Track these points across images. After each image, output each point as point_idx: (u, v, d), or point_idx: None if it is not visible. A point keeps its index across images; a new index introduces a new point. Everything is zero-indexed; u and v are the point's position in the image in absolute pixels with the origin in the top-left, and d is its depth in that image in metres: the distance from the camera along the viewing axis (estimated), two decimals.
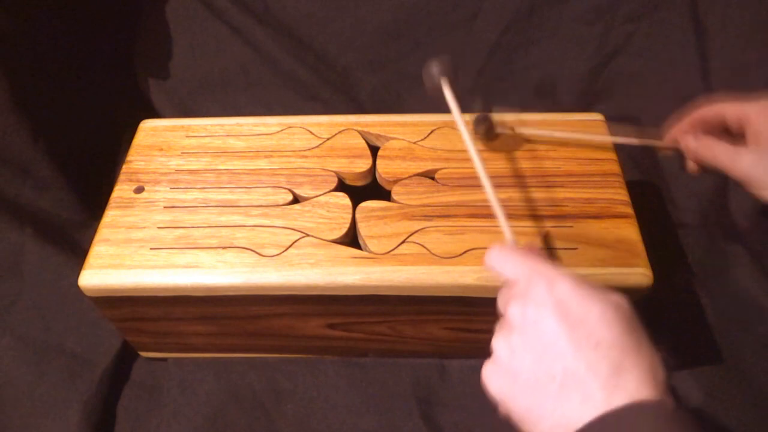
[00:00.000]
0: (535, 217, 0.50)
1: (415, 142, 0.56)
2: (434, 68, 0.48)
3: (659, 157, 0.54)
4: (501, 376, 0.32)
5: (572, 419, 0.29)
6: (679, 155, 0.50)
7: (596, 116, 0.57)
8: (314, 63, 0.74)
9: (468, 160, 0.54)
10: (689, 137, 0.48)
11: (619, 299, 0.32)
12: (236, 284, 0.47)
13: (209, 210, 0.52)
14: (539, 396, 0.30)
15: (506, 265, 0.35)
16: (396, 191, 0.52)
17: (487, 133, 0.54)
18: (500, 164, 0.53)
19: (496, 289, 0.46)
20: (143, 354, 0.59)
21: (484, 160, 0.43)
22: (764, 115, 0.44)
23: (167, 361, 0.59)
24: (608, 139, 0.55)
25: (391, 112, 0.59)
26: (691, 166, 0.50)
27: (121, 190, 0.54)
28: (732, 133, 0.47)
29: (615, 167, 0.53)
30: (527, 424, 0.31)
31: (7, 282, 0.61)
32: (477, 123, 0.54)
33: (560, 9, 0.66)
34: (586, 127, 0.56)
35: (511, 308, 0.33)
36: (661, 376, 0.30)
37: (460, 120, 0.46)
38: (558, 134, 0.55)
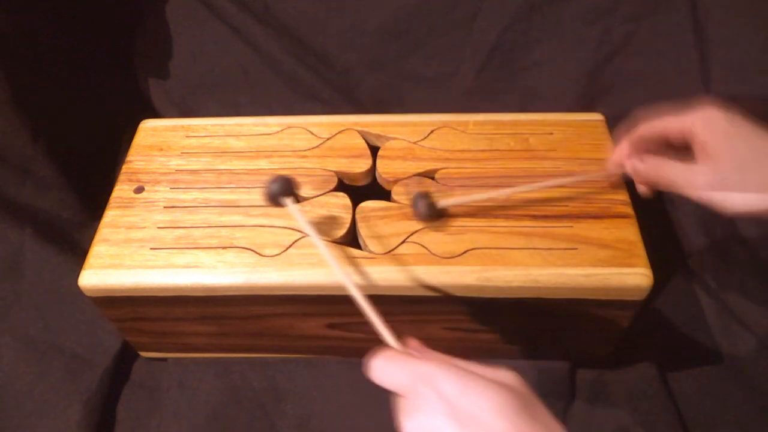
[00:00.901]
0: (535, 217, 0.50)
1: (415, 142, 0.56)
2: (274, 188, 0.46)
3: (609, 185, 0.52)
4: None
5: None
6: (628, 180, 0.49)
7: (596, 116, 0.57)
8: (314, 63, 0.74)
9: (468, 160, 0.54)
10: (634, 160, 0.46)
11: (509, 379, 0.31)
12: (236, 284, 0.47)
13: (209, 210, 0.52)
14: None
15: (388, 378, 0.33)
16: (396, 191, 0.52)
17: (429, 212, 0.49)
18: (500, 164, 0.53)
19: (497, 289, 0.47)
20: (143, 354, 0.59)
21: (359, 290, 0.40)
22: (709, 127, 0.42)
23: (167, 361, 0.59)
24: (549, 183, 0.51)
25: (391, 112, 0.59)
26: (642, 189, 0.49)
27: (121, 190, 0.54)
28: (674, 147, 0.45)
29: None
30: None
31: (7, 282, 0.61)
32: (416, 202, 0.49)
33: (560, 9, 0.66)
34: (586, 128, 0.56)
35: (406, 424, 0.31)
36: None
37: (315, 236, 0.44)
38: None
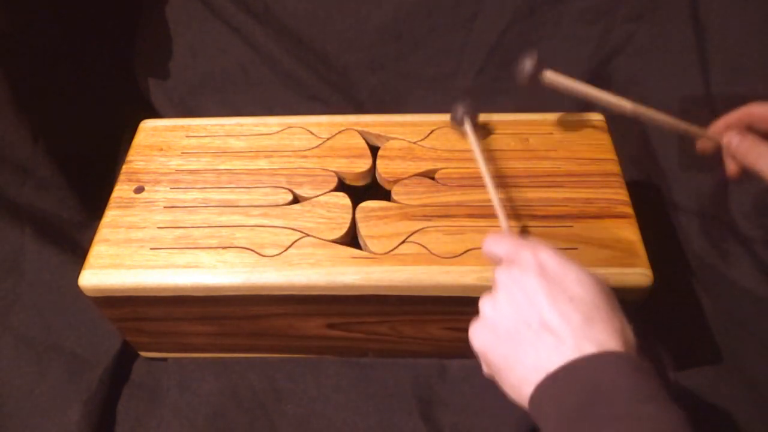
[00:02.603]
0: (536, 217, 0.50)
1: (415, 142, 0.56)
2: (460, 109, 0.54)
3: (697, 148, 0.51)
4: (483, 330, 0.35)
5: (544, 364, 0.31)
6: (717, 151, 0.48)
7: (596, 116, 0.57)
8: (314, 63, 0.74)
9: (468, 160, 0.54)
10: (733, 133, 0.45)
11: (598, 277, 0.35)
12: (236, 284, 0.47)
13: (209, 210, 0.52)
14: (515, 343, 0.33)
15: (499, 246, 0.38)
16: (396, 191, 0.52)
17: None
18: (500, 164, 0.53)
19: None
20: (143, 354, 0.59)
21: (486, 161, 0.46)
22: None
23: (167, 361, 0.59)
24: (649, 114, 0.50)
25: (391, 112, 0.59)
26: (730, 166, 0.48)
27: (121, 190, 0.54)
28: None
29: (615, 167, 0.53)
30: (504, 371, 0.33)
31: (7, 282, 0.61)
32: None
33: (560, 9, 0.66)
34: (586, 127, 0.56)
35: (498, 273, 0.36)
36: (630, 337, 0.32)
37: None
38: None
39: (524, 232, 0.47)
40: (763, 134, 0.45)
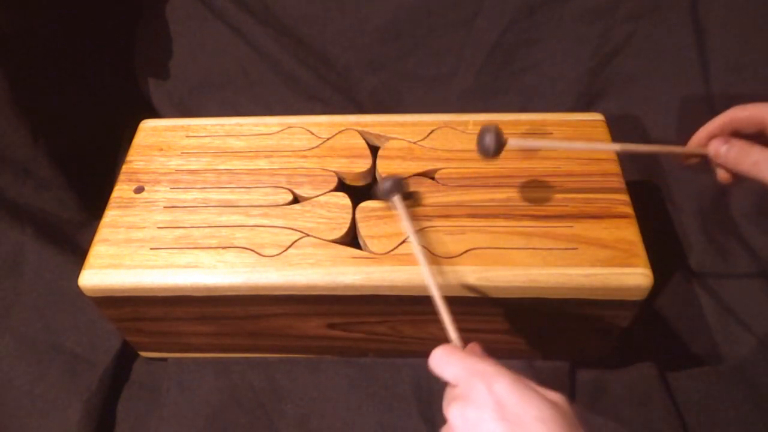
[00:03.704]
0: (535, 217, 0.50)
1: (415, 142, 0.56)
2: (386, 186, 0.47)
3: (683, 163, 0.50)
4: None
5: None
6: (705, 162, 0.47)
7: (596, 116, 0.57)
8: (314, 63, 0.74)
9: (468, 160, 0.54)
10: (719, 142, 0.44)
11: (557, 399, 0.31)
12: (236, 284, 0.47)
13: (209, 210, 0.52)
14: None
15: (447, 367, 0.34)
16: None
17: (496, 147, 0.47)
18: (500, 164, 0.53)
19: (497, 289, 0.47)
20: (143, 354, 0.59)
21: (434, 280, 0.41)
22: None
23: (167, 361, 0.59)
24: (616, 147, 0.52)
25: (391, 112, 0.59)
26: (722, 174, 0.46)
27: (121, 190, 0.54)
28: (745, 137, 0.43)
29: (615, 167, 0.53)
30: None
31: (7, 282, 0.61)
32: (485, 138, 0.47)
33: (560, 9, 0.66)
34: (586, 127, 0.56)
35: (451, 411, 0.32)
36: None
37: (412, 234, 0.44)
38: (563, 145, 0.53)
39: (474, 342, 0.40)
40: (752, 137, 0.44)
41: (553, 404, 0.30)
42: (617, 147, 0.51)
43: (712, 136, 0.45)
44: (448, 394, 0.34)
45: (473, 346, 0.37)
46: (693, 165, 0.48)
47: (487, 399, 0.30)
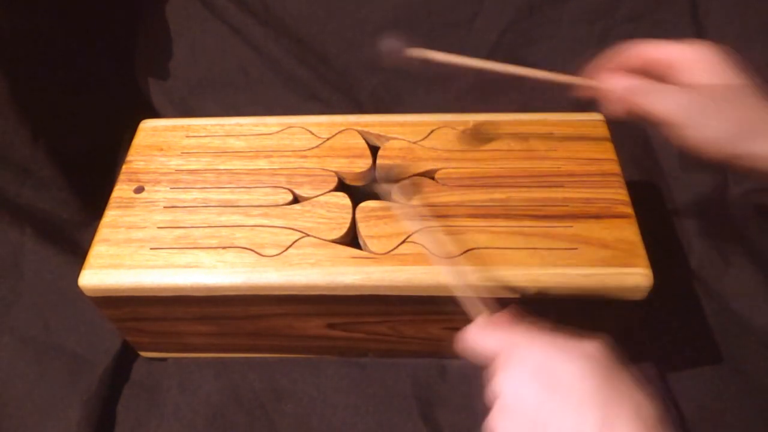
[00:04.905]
0: (535, 217, 0.50)
1: (415, 142, 0.56)
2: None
3: (575, 96, 0.50)
4: None
5: None
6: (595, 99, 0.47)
7: (596, 116, 0.57)
8: (314, 63, 0.74)
9: (468, 160, 0.54)
10: (612, 76, 0.45)
11: (593, 347, 0.32)
12: (236, 284, 0.47)
13: (209, 210, 0.52)
14: None
15: (482, 343, 0.35)
16: (396, 191, 0.52)
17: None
18: (500, 164, 0.53)
19: (497, 288, 0.47)
20: (143, 354, 0.59)
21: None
22: (700, 58, 0.41)
23: (167, 361, 0.59)
24: (517, 70, 0.50)
25: (391, 112, 0.59)
26: (611, 108, 0.47)
27: (121, 190, 0.54)
28: (652, 76, 0.44)
29: (615, 167, 0.53)
30: None
31: (7, 282, 0.61)
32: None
33: (560, 9, 0.66)
34: (586, 127, 0.56)
35: (496, 384, 0.33)
36: (649, 414, 0.30)
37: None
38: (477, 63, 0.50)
39: (502, 312, 0.39)
40: (638, 74, 0.44)
41: (589, 356, 0.31)
42: (499, 66, 0.50)
43: (611, 71, 0.46)
44: (489, 367, 0.34)
45: (502, 315, 0.38)
46: (583, 98, 0.48)
47: (525, 368, 0.31)
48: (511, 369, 0.32)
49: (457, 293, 0.40)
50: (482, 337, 0.35)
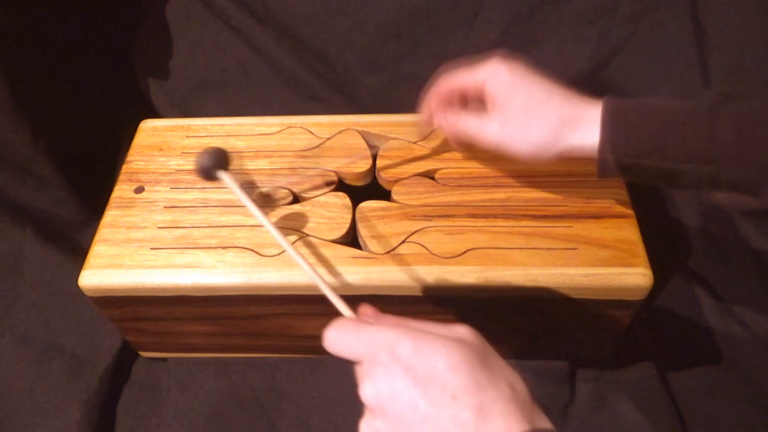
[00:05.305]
0: (535, 217, 0.50)
1: (415, 142, 0.56)
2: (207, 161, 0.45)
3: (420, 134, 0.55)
4: None
5: None
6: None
7: None
8: (314, 63, 0.74)
9: (468, 160, 0.54)
10: (440, 115, 0.48)
11: (463, 334, 0.31)
12: (236, 284, 0.47)
13: (209, 210, 0.52)
14: None
15: (345, 347, 0.32)
16: (396, 191, 0.52)
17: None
18: (500, 164, 0.53)
19: (497, 289, 0.47)
20: (143, 354, 0.59)
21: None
22: (495, 79, 0.44)
23: (167, 361, 0.59)
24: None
25: (391, 112, 0.59)
26: (454, 143, 0.51)
27: (121, 190, 0.54)
28: (473, 101, 0.47)
29: None
30: None
31: (7, 282, 0.61)
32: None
33: (560, 9, 0.66)
34: None
35: (364, 391, 0.31)
36: (522, 395, 0.29)
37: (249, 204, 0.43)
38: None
39: (364, 308, 0.37)
40: (462, 101, 0.48)
41: (460, 343, 0.30)
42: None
43: (437, 108, 0.49)
44: (357, 371, 0.32)
45: (364, 310, 0.36)
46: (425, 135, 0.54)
47: (393, 367, 0.30)
48: (381, 371, 0.30)
49: (323, 292, 0.38)
50: (344, 340, 0.33)
